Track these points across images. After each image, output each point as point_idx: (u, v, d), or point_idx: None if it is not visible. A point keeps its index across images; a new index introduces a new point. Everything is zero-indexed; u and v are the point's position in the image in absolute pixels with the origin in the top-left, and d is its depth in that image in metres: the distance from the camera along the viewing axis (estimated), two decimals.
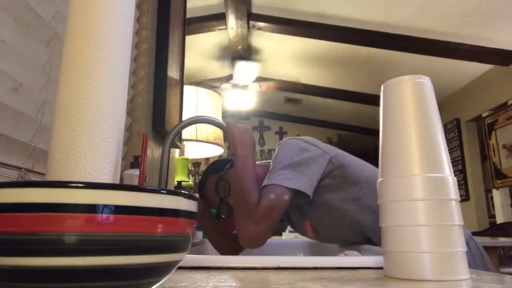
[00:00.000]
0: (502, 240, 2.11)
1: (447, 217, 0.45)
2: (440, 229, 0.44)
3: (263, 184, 0.86)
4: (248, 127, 0.95)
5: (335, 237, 1.00)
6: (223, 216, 1.05)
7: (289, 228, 1.50)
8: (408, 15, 2.95)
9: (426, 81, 0.51)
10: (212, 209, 1.11)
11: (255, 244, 0.84)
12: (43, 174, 0.68)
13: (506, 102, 3.61)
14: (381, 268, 0.52)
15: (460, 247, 0.44)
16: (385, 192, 0.49)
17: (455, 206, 0.46)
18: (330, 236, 1.00)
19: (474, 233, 2.85)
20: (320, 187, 0.90)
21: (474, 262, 0.89)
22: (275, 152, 0.94)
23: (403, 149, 0.48)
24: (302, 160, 0.88)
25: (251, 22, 3.28)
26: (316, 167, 0.88)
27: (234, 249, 1.06)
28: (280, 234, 1.81)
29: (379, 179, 0.51)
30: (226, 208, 1.02)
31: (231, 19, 3.18)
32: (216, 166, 1.06)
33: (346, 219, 0.92)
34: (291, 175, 0.85)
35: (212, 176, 1.04)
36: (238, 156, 0.88)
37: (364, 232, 0.92)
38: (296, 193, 0.85)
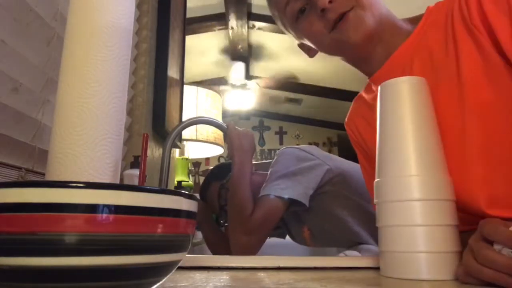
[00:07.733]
0: None
1: (443, 218, 0.45)
2: (436, 229, 0.44)
3: (259, 195, 0.86)
4: (249, 131, 0.94)
5: (332, 242, 0.99)
6: (222, 221, 1.05)
7: None
8: (408, 15, 2.95)
9: (423, 82, 0.51)
10: (212, 214, 1.11)
11: (246, 253, 0.83)
12: (43, 174, 0.68)
13: None
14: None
15: (456, 247, 0.44)
16: (381, 192, 0.49)
17: (451, 206, 0.46)
18: (327, 241, 0.99)
19: None
20: (321, 194, 0.89)
21: None
22: (273, 161, 0.94)
23: (399, 150, 0.48)
24: (298, 170, 0.88)
25: (251, 22, 3.28)
26: (312, 176, 0.88)
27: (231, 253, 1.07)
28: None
29: (376, 179, 0.51)
30: (226, 215, 1.03)
31: (231, 19, 3.18)
32: (219, 171, 1.05)
33: (346, 225, 0.92)
34: (285, 185, 0.85)
35: (215, 182, 1.04)
36: (236, 162, 0.87)
37: (366, 236, 0.91)
38: (292, 202, 0.85)
